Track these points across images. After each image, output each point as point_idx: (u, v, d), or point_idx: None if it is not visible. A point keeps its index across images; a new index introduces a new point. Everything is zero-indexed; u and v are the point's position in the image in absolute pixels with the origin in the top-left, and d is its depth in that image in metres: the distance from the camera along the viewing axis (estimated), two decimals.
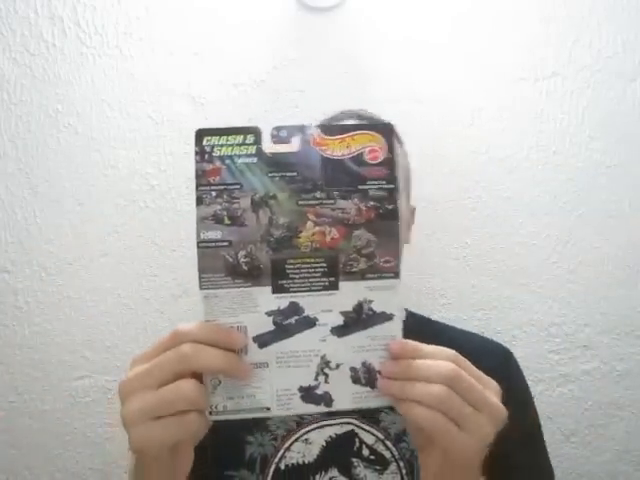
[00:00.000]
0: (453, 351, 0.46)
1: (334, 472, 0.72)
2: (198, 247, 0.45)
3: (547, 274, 1.09)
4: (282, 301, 0.46)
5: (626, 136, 1.10)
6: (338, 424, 0.74)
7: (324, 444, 0.73)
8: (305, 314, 0.46)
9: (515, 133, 1.09)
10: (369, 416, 0.75)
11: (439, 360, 0.44)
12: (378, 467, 0.73)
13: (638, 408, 1.06)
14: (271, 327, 0.46)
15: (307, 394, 0.46)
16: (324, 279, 0.45)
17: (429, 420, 0.43)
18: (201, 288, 0.45)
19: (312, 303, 0.46)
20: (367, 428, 0.75)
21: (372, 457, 0.73)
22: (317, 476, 0.72)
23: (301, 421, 0.74)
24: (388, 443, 0.74)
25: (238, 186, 0.45)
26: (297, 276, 0.45)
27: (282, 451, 0.73)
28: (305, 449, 0.73)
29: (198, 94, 1.09)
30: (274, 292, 0.45)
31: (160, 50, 1.08)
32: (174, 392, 0.42)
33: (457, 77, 1.09)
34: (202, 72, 1.08)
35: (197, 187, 0.45)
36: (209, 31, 1.08)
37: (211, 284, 0.45)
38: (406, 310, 0.84)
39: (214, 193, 0.45)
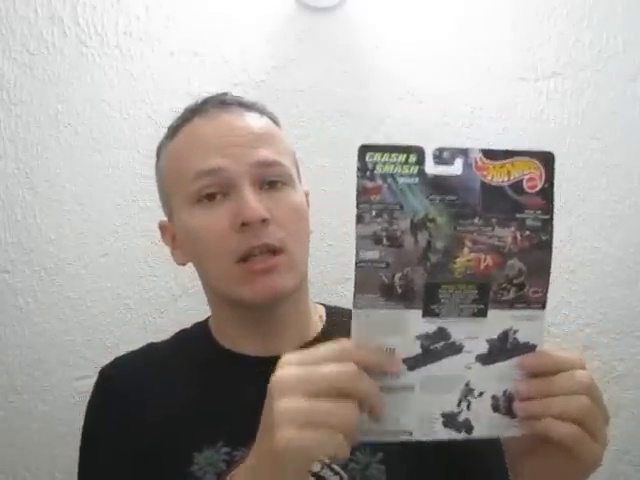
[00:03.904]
0: (578, 354, 0.45)
1: None
2: (356, 267, 0.44)
3: None
4: (431, 326, 0.45)
5: (626, 136, 1.10)
6: None
7: None
8: (452, 340, 0.46)
9: (515, 133, 1.09)
10: None
11: (577, 370, 0.44)
12: None
13: (638, 408, 1.06)
14: (419, 351, 0.45)
15: (449, 420, 0.46)
16: (473, 305, 0.45)
17: (572, 435, 0.42)
18: (355, 307, 0.45)
19: (459, 329, 0.45)
20: None
21: None
22: None
23: (232, 460, 0.64)
24: (335, 467, 0.66)
25: (398, 206, 0.44)
26: (448, 301, 0.45)
27: None
28: None
29: (198, 94, 1.08)
30: (424, 315, 0.45)
31: (160, 50, 1.08)
32: (338, 409, 0.41)
33: (457, 77, 1.09)
34: (202, 72, 1.08)
35: (358, 204, 0.44)
36: (209, 31, 1.08)
37: (365, 303, 0.44)
38: None
39: (374, 212, 0.44)
